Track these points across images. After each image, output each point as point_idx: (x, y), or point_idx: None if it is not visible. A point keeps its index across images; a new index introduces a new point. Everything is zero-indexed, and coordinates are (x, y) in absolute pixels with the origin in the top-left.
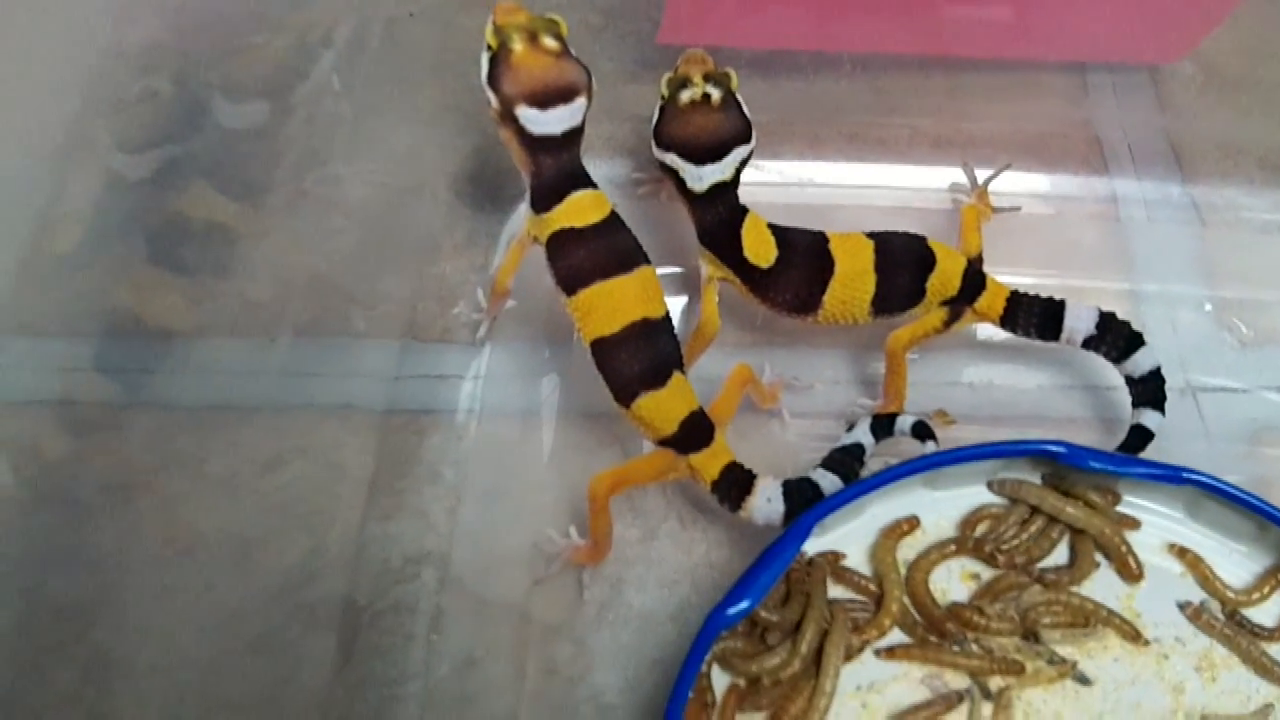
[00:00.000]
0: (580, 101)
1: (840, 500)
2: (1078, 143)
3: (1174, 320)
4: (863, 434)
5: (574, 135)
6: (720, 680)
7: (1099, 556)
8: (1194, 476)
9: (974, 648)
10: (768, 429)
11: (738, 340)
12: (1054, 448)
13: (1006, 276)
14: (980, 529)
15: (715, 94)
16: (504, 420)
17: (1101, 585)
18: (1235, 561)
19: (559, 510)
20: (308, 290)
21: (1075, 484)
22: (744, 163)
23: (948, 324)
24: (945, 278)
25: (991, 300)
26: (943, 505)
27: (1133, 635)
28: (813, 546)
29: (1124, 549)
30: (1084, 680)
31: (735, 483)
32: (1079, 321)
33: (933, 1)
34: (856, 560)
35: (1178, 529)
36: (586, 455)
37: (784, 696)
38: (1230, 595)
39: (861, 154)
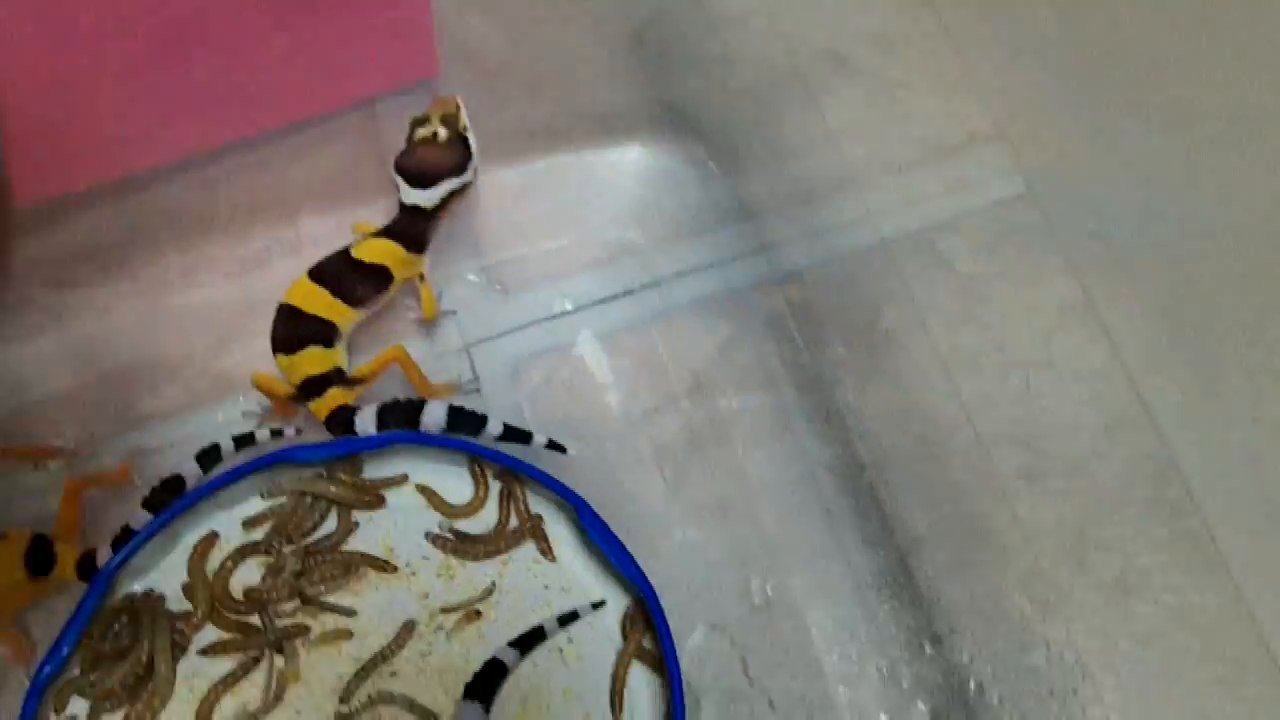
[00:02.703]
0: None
1: (140, 541)
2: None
3: (453, 295)
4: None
5: None
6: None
7: (356, 515)
8: (386, 438)
9: (273, 623)
10: None
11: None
12: (276, 459)
13: None
14: (260, 530)
15: (442, 133)
16: None
17: (365, 537)
18: (464, 484)
19: None
20: None
21: (332, 469)
22: (453, 192)
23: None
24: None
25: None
26: (235, 517)
27: (383, 566)
28: (141, 586)
29: (365, 499)
30: (350, 612)
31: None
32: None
33: (216, 95)
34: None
35: (423, 469)
36: None
37: (133, 697)
38: (451, 512)
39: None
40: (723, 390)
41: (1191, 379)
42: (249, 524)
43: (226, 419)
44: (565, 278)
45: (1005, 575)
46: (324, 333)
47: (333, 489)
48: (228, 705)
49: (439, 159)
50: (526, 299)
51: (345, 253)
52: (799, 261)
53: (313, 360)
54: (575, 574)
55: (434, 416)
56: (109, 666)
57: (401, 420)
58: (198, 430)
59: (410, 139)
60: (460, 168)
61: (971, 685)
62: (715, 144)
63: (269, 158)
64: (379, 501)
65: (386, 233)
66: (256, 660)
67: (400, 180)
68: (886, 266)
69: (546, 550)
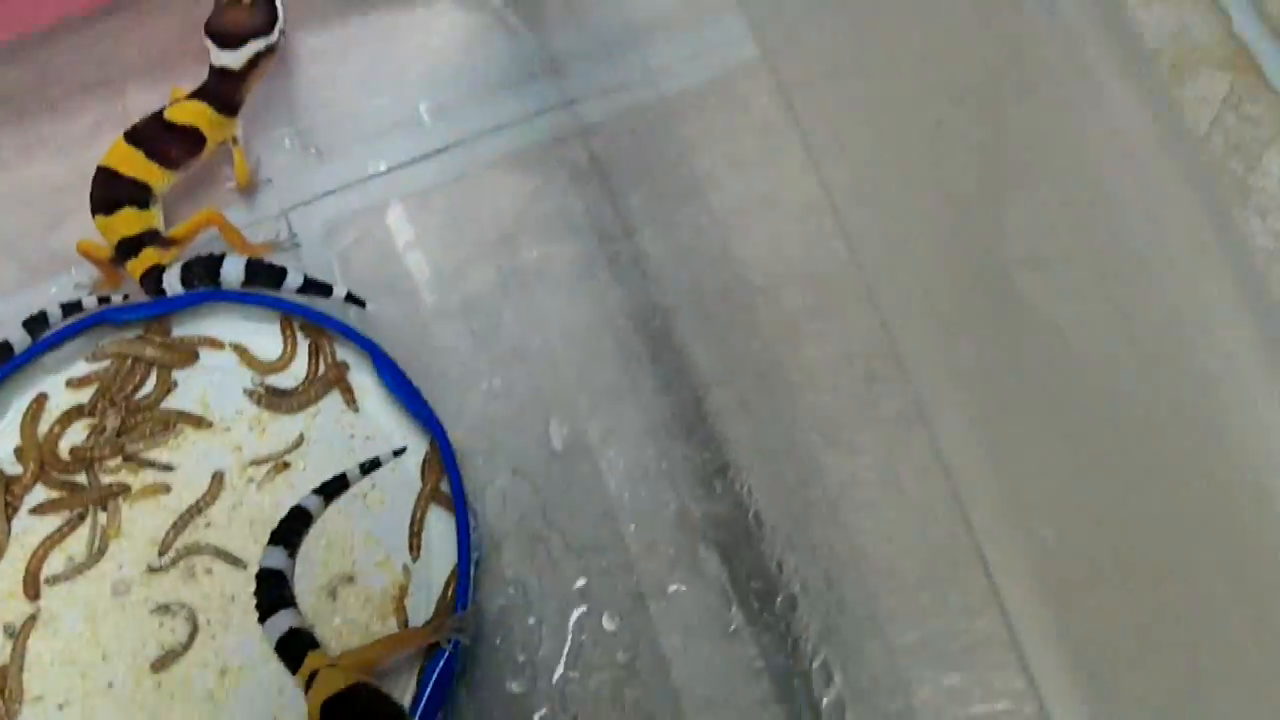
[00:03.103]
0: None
1: None
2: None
3: (269, 161)
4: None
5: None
6: None
7: (175, 374)
8: (196, 297)
9: (98, 480)
10: None
11: None
12: (96, 321)
13: None
14: (86, 392)
15: None
16: None
17: (184, 396)
18: (276, 340)
19: None
20: None
21: (148, 330)
22: (260, 53)
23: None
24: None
25: None
26: (62, 380)
27: (198, 422)
28: None
29: (178, 358)
30: (168, 468)
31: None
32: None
33: None
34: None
35: (239, 328)
36: None
37: None
38: (263, 368)
39: None
40: (528, 242)
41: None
42: (73, 385)
43: (61, 292)
44: (377, 139)
45: (794, 412)
46: (139, 194)
47: (148, 350)
48: (55, 559)
49: (245, 21)
50: (340, 162)
51: (159, 115)
52: (601, 114)
53: (128, 221)
54: (379, 423)
55: (233, 270)
56: None
57: (204, 275)
58: (34, 304)
59: (218, 2)
60: (266, 29)
61: (750, 517)
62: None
63: (98, 36)
64: (191, 358)
65: (198, 94)
66: (82, 517)
67: (209, 42)
68: (685, 115)
69: (350, 400)
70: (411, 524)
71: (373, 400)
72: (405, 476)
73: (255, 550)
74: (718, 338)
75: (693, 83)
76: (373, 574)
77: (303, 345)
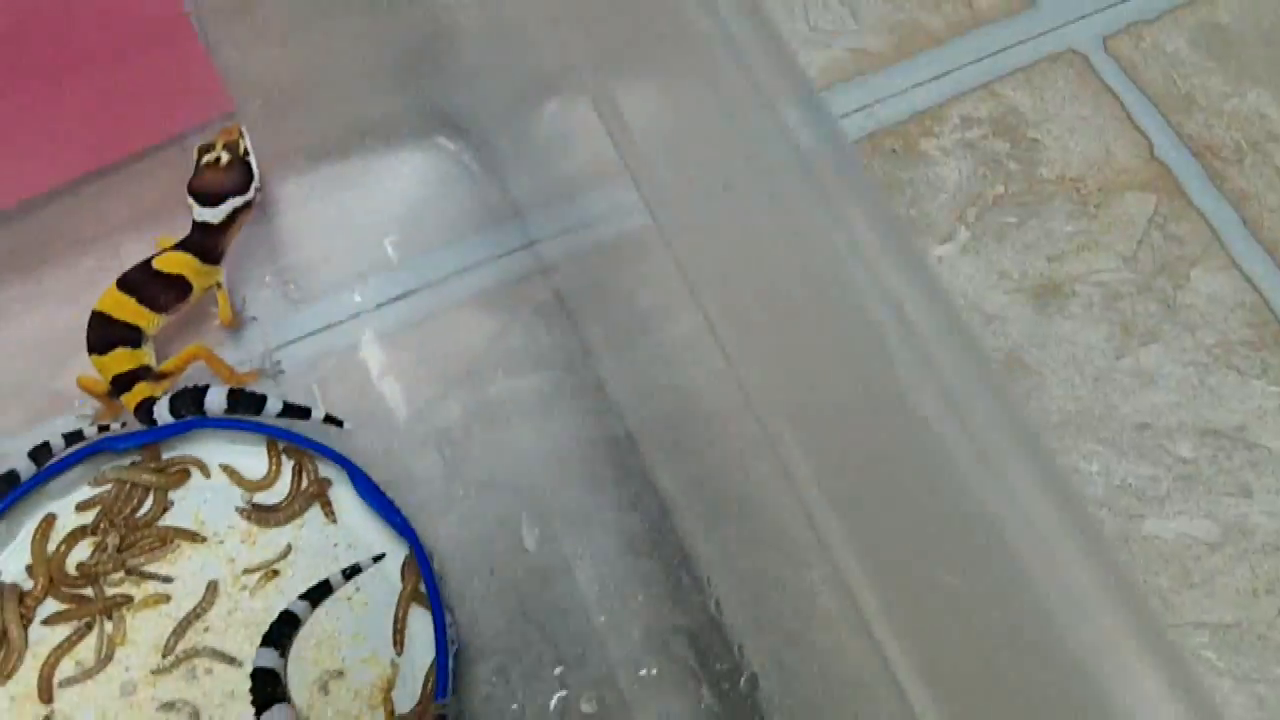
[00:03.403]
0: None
1: None
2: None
3: (254, 299)
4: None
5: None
6: None
7: (171, 494)
8: (184, 425)
9: (103, 592)
10: None
11: None
12: (95, 449)
13: None
14: (90, 513)
15: (225, 157)
16: None
17: (180, 513)
18: (261, 460)
19: None
20: None
21: (145, 456)
22: (238, 209)
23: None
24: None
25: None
26: (68, 503)
27: (193, 537)
28: None
29: (170, 479)
30: (168, 579)
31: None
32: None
33: (26, 151)
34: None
35: (227, 450)
36: None
37: None
38: (250, 486)
39: None
40: (495, 375)
41: None
42: (81, 508)
43: (65, 423)
44: (351, 281)
45: (746, 532)
46: (131, 335)
47: (144, 475)
48: (67, 665)
49: (223, 181)
50: (317, 303)
51: (148, 264)
52: (560, 253)
53: (121, 360)
54: (358, 532)
55: (216, 399)
56: None
57: (189, 405)
58: (39, 438)
59: (198, 164)
60: (243, 188)
61: (713, 605)
62: (480, 148)
63: (94, 194)
64: (184, 479)
65: (182, 245)
66: (90, 626)
67: (191, 200)
68: (640, 252)
69: (330, 513)
70: (395, 622)
71: (352, 513)
72: (386, 580)
73: (250, 650)
74: (677, 461)
75: (637, 225)
76: (360, 669)
77: (286, 465)
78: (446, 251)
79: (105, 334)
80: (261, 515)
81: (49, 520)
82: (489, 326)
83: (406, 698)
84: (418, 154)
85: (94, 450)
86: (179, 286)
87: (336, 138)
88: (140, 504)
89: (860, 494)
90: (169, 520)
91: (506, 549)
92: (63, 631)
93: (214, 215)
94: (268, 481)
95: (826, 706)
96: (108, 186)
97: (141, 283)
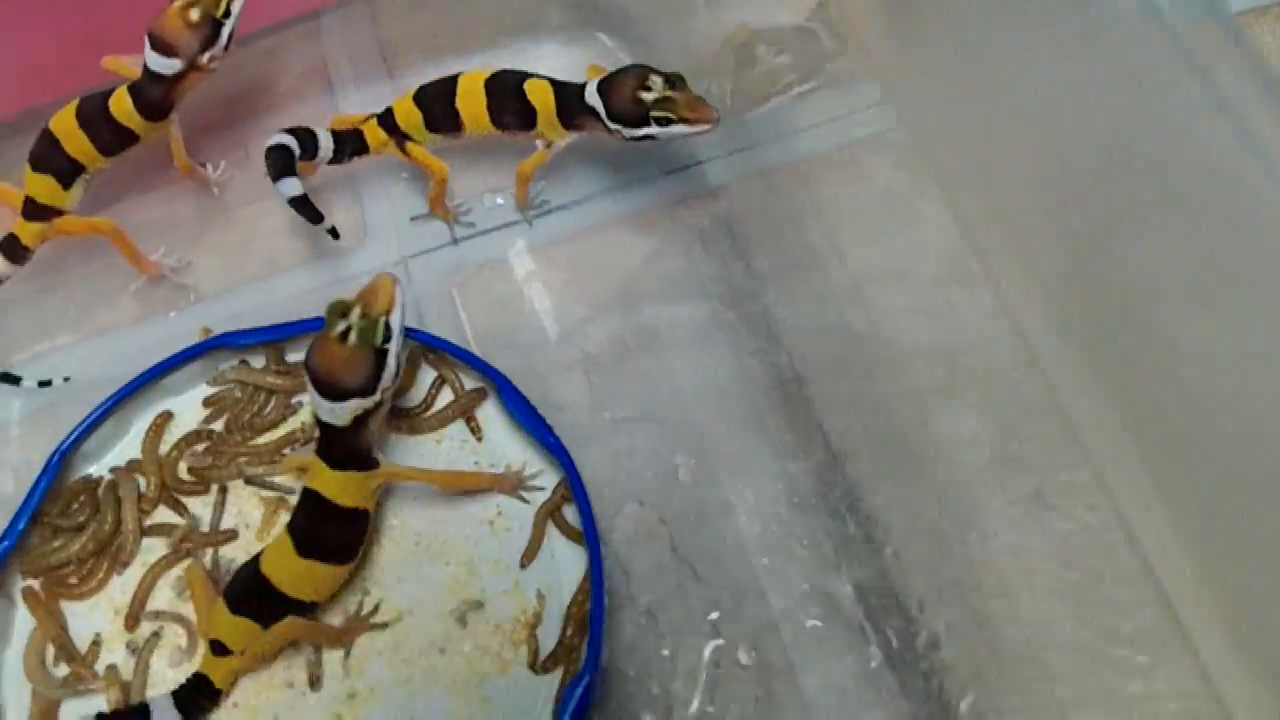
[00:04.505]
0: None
1: (89, 424)
2: (313, 77)
3: (384, 193)
4: None
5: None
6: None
7: (297, 399)
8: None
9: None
10: None
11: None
12: (215, 344)
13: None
14: (209, 413)
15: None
16: None
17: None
18: None
19: None
20: None
21: (268, 357)
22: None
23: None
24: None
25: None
26: (184, 402)
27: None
28: (96, 470)
29: (288, 385)
30: (289, 491)
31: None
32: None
33: None
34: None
35: None
36: None
37: (85, 567)
38: None
39: None
40: (650, 301)
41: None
42: (208, 403)
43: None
44: (502, 191)
45: (924, 488)
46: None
47: (267, 378)
48: (161, 585)
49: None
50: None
51: (105, 101)
52: (726, 176)
53: (45, 188)
54: (503, 451)
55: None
56: (68, 540)
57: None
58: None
59: (169, 7)
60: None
61: (888, 553)
62: (637, 45)
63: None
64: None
65: (132, 90)
66: (188, 551)
67: (147, 43)
68: (810, 181)
69: (475, 430)
70: (530, 541)
71: (496, 430)
72: (533, 503)
73: (378, 573)
74: (847, 407)
75: (822, 148)
76: (502, 601)
77: (425, 374)
78: (603, 165)
79: (48, 157)
80: (408, 423)
81: (164, 417)
82: (644, 248)
83: (545, 636)
84: (574, 49)
85: (212, 346)
86: (127, 134)
87: (487, 31)
88: (263, 408)
89: None
90: (294, 425)
91: (657, 484)
92: (160, 548)
93: (166, 67)
94: (402, 388)
95: (1014, 680)
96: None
97: (94, 120)
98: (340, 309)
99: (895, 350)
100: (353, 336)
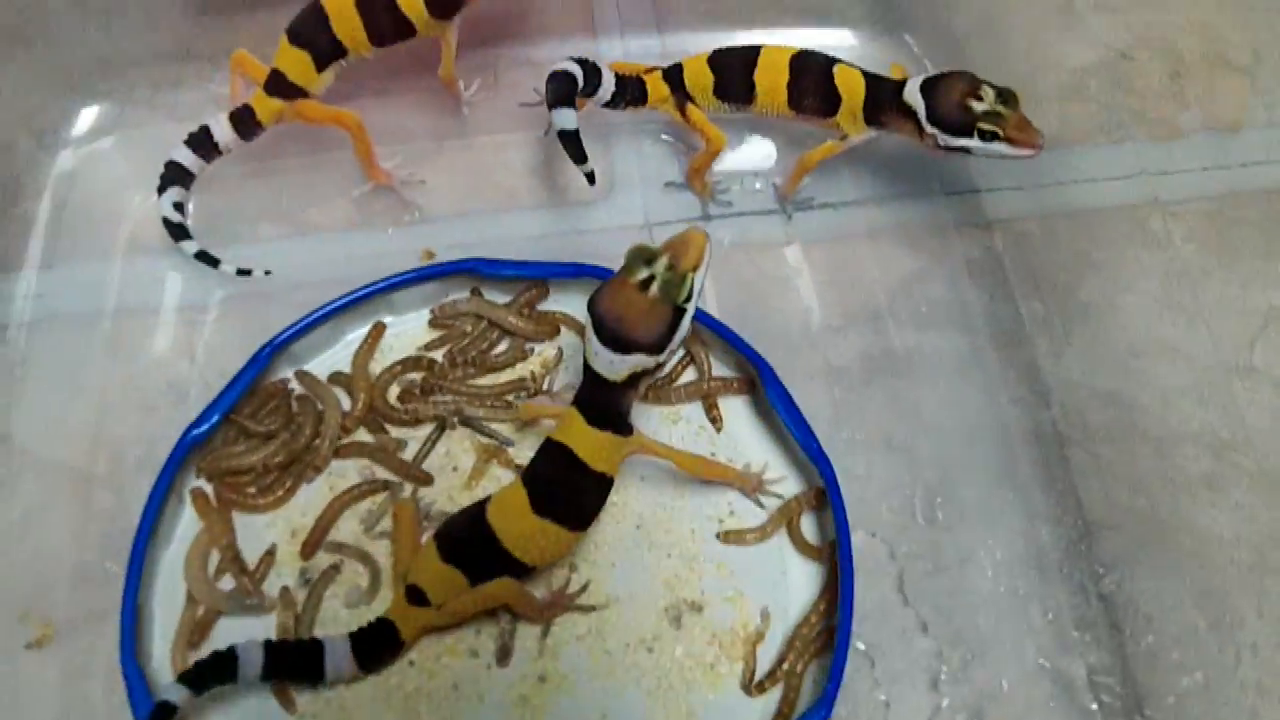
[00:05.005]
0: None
1: (303, 326)
2: (576, 15)
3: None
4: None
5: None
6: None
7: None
8: (578, 269)
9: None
10: None
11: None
12: (456, 268)
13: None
14: (431, 340)
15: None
16: None
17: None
18: None
19: None
20: None
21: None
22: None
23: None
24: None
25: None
26: (403, 325)
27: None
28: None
29: (530, 330)
30: (508, 442)
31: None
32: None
33: None
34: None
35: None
36: None
37: (277, 479)
38: None
39: None
40: (908, 322)
41: None
42: (434, 325)
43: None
44: (763, 175)
45: (1177, 583)
46: (332, 50)
47: (510, 318)
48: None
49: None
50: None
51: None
52: (1010, 208)
53: (298, 64)
54: (742, 447)
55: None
56: (254, 446)
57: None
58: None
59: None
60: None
61: (1141, 679)
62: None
63: None
64: (552, 332)
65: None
66: (384, 486)
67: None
68: (1095, 235)
69: (716, 418)
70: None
71: (738, 421)
72: (767, 509)
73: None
74: (1107, 478)
75: (1114, 202)
76: (722, 609)
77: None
78: (882, 171)
79: (311, 33)
80: (652, 391)
81: (378, 329)
82: (909, 266)
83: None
84: (873, 45)
85: (461, 269)
86: (405, 26)
87: (773, 10)
88: (493, 346)
89: None
90: (522, 370)
91: (892, 518)
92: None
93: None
94: None
95: None
96: None
97: (374, 4)
98: (645, 255)
99: (1165, 430)
100: (654, 288)
